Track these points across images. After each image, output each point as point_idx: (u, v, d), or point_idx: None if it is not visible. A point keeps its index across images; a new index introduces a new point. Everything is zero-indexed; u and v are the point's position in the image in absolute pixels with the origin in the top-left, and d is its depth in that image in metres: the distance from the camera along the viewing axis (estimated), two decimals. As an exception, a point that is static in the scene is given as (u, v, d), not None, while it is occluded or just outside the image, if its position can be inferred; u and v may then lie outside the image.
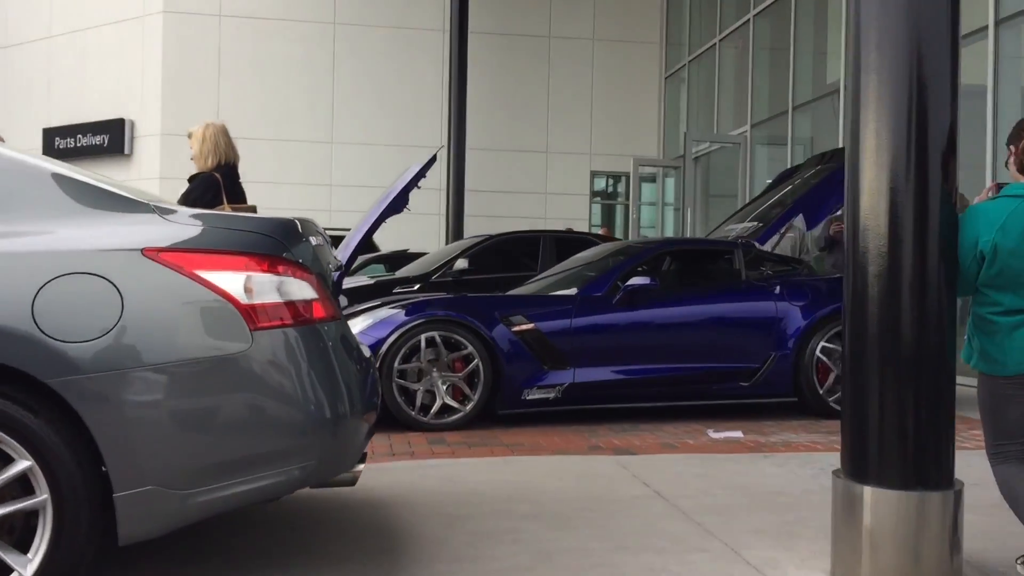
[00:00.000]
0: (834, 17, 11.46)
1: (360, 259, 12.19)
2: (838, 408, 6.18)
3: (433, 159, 6.65)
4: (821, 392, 6.20)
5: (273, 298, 2.62)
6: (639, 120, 18.14)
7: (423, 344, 5.76)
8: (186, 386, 2.50)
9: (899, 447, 2.85)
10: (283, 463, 2.59)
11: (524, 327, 5.92)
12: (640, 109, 18.14)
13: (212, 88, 17.23)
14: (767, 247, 6.93)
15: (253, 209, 4.96)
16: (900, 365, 2.85)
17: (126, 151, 17.50)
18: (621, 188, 19.65)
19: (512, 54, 17.94)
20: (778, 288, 6.34)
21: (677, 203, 16.49)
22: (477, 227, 16.30)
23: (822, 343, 6.22)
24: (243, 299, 2.56)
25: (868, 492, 2.86)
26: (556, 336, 5.96)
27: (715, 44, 15.14)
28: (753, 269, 6.57)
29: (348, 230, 13.36)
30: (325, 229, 11.37)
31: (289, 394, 2.60)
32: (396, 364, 5.71)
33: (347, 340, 2.98)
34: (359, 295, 8.58)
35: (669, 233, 17.70)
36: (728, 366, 6.19)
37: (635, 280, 6.05)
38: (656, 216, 17.97)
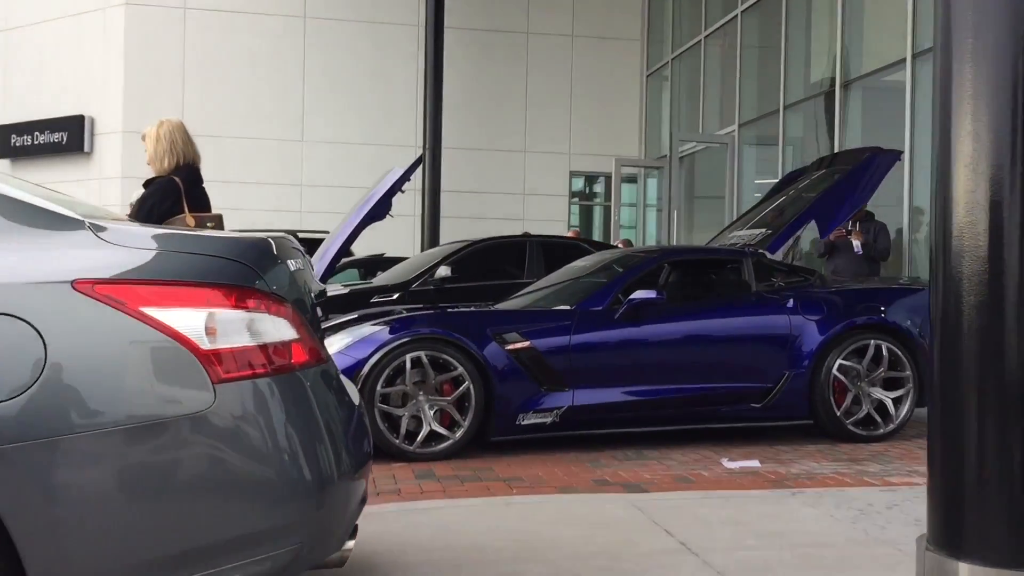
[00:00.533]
0: (827, 13, 11.06)
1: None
2: (856, 431, 5.74)
3: (419, 161, 6.15)
4: (838, 414, 5.74)
5: (242, 340, 2.07)
6: (620, 119, 17.68)
7: (408, 365, 5.22)
8: (131, 458, 1.95)
9: (1007, 512, 2.36)
10: (258, 549, 2.04)
11: (519, 345, 5.40)
12: (621, 108, 17.69)
13: (176, 84, 16.53)
14: (778, 256, 6.45)
15: (219, 219, 4.38)
16: (1006, 410, 2.36)
17: (86, 149, 16.75)
18: (600, 189, 19.20)
19: (489, 51, 17.40)
20: (791, 301, 5.86)
21: (660, 204, 16.05)
22: (453, 229, 15.79)
23: (839, 360, 5.76)
24: (204, 343, 2.02)
25: (966, 571, 2.37)
26: (554, 355, 5.45)
27: (700, 41, 14.71)
28: (763, 280, 6.09)
29: (321, 233, 12.76)
30: (297, 232, 10.81)
31: (264, 463, 2.06)
32: (379, 387, 5.17)
33: (333, 386, 2.44)
34: (333, 305, 8.02)
35: (652, 236, 17.27)
36: (739, 386, 5.71)
37: (639, 294, 5.55)
38: (638, 218, 17.52)
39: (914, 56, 9.00)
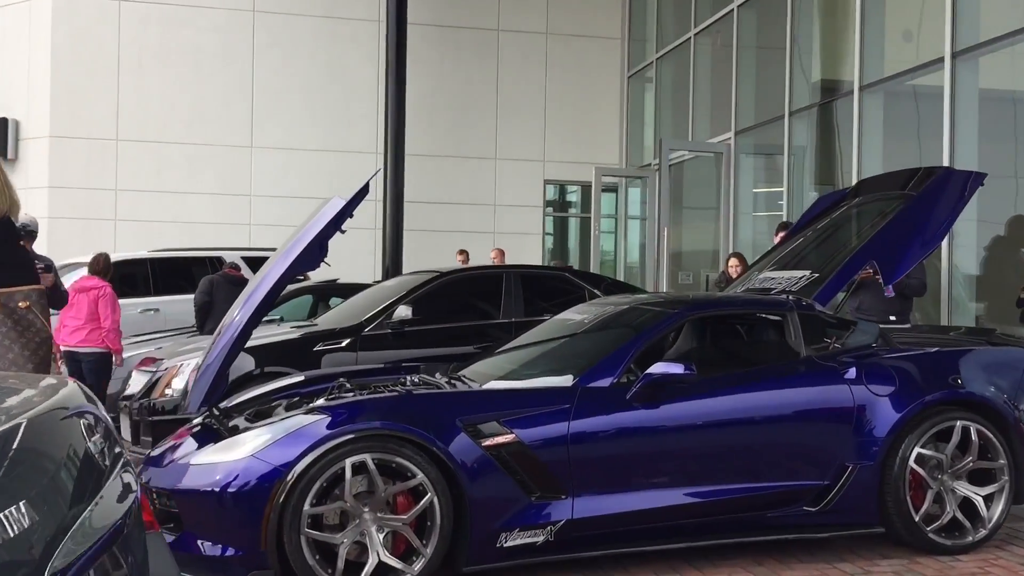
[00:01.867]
0: (844, 6, 9.77)
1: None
2: (939, 541, 4.39)
3: (363, 191, 4.72)
4: (917, 519, 4.39)
5: None
6: (598, 124, 16.32)
7: (349, 472, 3.80)
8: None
9: None
10: None
11: (500, 439, 4.00)
12: (599, 112, 16.32)
13: (110, 84, 14.92)
14: (830, 308, 5.09)
15: (40, 292, 2.94)
16: None
17: (9, 155, 15.05)
18: (576, 198, 17.85)
19: (456, 49, 15.97)
20: (853, 370, 4.50)
21: (645, 215, 14.72)
22: (417, 242, 14.37)
23: (917, 449, 4.41)
24: None
25: None
26: (547, 450, 4.05)
27: (689, 39, 13.39)
28: (813, 340, 4.73)
29: (270, 250, 11.28)
30: (244, 249, 9.09)
31: None
32: (307, 506, 3.73)
33: None
34: (269, 355, 6.58)
35: (633, 250, 15.93)
36: (788, 485, 4.35)
37: (661, 367, 4.16)
38: (618, 230, 16.15)
39: (954, 55, 7.73)
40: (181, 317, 10.50)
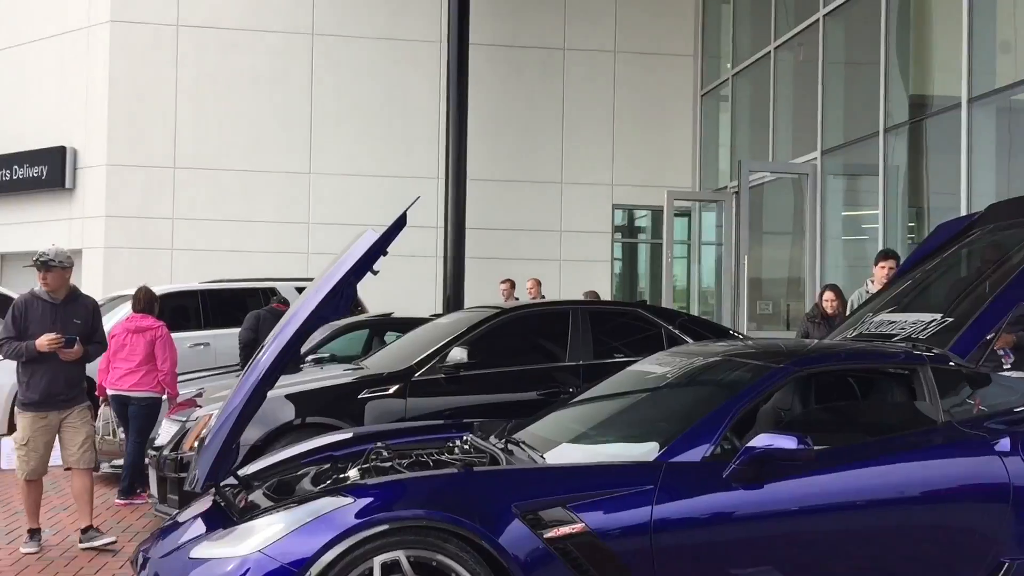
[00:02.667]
0: (949, 13, 8.82)
1: (327, 329, 9.51)
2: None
3: (400, 223, 4.02)
4: (1093, 631, 3.48)
5: None
6: (670, 146, 15.49)
7: (378, 573, 3.06)
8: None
9: None
10: None
11: (566, 529, 3.22)
12: (671, 133, 15.50)
13: (168, 111, 14.62)
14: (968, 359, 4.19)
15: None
16: None
17: (67, 184, 14.87)
18: (646, 223, 17.02)
19: (520, 69, 15.33)
20: (1007, 439, 3.63)
21: (721, 241, 13.82)
22: (479, 270, 13.70)
23: (1091, 541, 3.51)
24: None
25: None
26: (624, 541, 3.27)
27: (769, 53, 12.51)
28: (952, 399, 3.85)
29: (301, 281, 10.65)
30: (299, 279, 8.32)
31: None
32: (326, 616, 3.01)
33: None
34: (311, 403, 5.92)
35: (708, 277, 15.02)
36: (928, 585, 3.48)
37: (766, 441, 3.34)
38: (691, 256, 15.24)
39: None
40: (233, 352, 9.94)
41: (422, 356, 6.22)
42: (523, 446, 3.91)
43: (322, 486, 3.78)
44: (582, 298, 11.56)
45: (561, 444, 3.90)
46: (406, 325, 9.29)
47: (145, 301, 7.33)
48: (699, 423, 3.57)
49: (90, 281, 14.42)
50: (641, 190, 15.40)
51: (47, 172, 14.88)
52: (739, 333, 8.01)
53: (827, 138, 10.82)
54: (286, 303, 8.61)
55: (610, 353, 6.75)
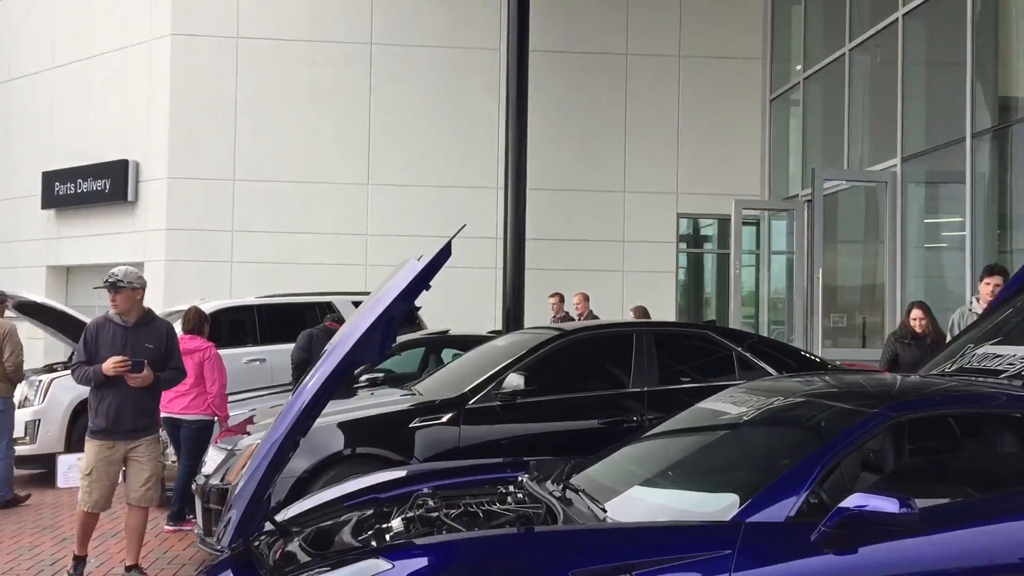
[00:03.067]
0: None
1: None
2: None
3: (444, 253, 3.67)
4: None
5: None
6: (737, 153, 14.96)
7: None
8: None
9: None
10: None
11: (631, 601, 2.84)
12: (739, 139, 14.97)
13: (228, 122, 14.60)
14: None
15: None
16: None
17: (130, 198, 14.94)
18: (712, 232, 16.48)
19: (581, 76, 14.96)
20: None
21: (789, 250, 13.26)
22: (540, 282, 13.34)
23: None
24: None
25: None
26: (697, 615, 2.87)
27: (843, 55, 11.93)
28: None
29: (355, 295, 10.40)
30: (356, 293, 8.02)
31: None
32: None
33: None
34: (361, 432, 5.63)
35: (777, 288, 14.43)
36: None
37: (861, 500, 2.92)
38: (761, 267, 14.68)
39: None
40: (289, 367, 9.75)
41: (476, 382, 5.89)
42: (582, 495, 3.54)
43: (363, 537, 3.47)
44: (631, 315, 11.12)
45: (625, 493, 3.52)
46: (464, 343, 8.99)
47: (195, 322, 7.15)
48: (783, 477, 3.16)
49: (151, 294, 14.40)
50: (707, 198, 14.89)
51: (110, 185, 14.97)
52: (814, 355, 7.51)
53: (908, 144, 10.22)
54: (340, 321, 8.36)
55: (676, 378, 6.34)
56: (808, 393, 3.78)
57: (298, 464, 5.44)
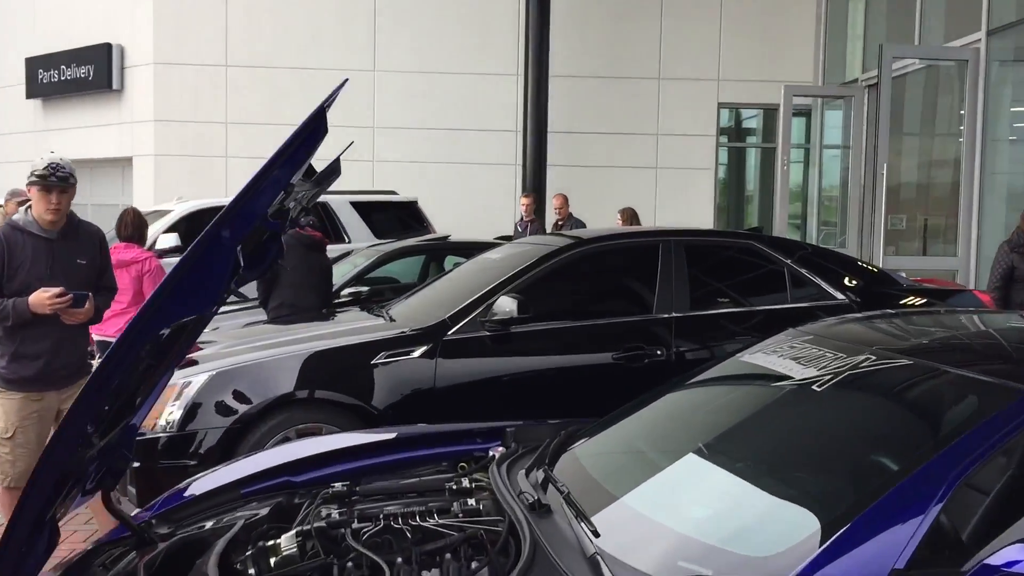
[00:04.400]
0: None
1: (370, 250, 8.04)
2: None
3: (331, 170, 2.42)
4: None
5: None
6: (787, 33, 13.27)
7: None
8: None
9: None
10: None
11: None
12: (789, 17, 13.26)
13: (218, 1, 13.15)
14: None
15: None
16: None
17: (115, 86, 13.67)
18: (756, 124, 14.93)
19: (613, -54, 13.27)
20: None
21: (844, 143, 11.76)
22: (564, 179, 12.01)
23: None
24: None
25: None
26: None
27: (917, -91, 10.18)
28: None
29: (389, 193, 9.19)
30: (355, 192, 6.59)
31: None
32: None
33: None
34: (316, 372, 4.49)
35: (832, 188, 12.95)
36: None
37: (1015, 554, 1.69)
38: (810, 164, 13.18)
39: None
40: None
41: (460, 307, 4.67)
42: (567, 504, 2.33)
43: (238, 560, 2.33)
44: (619, 218, 9.70)
45: (629, 501, 2.32)
46: (468, 251, 7.79)
47: (133, 227, 5.94)
48: (886, 499, 1.92)
49: (141, 191, 13.32)
50: (751, 86, 13.31)
51: (93, 72, 13.71)
52: (870, 264, 6.19)
53: (995, 15, 8.62)
54: (313, 224, 7.12)
55: (712, 300, 5.09)
56: (915, 350, 2.50)
57: (232, 407, 4.33)
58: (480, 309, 4.63)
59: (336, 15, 13.23)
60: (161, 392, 2.63)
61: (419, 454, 3.06)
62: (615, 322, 4.82)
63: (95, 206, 14.73)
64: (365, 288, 7.14)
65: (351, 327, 4.95)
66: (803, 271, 5.15)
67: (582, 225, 9.98)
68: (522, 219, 10.46)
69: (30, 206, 4.09)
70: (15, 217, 4.10)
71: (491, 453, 2.95)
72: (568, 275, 4.94)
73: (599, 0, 13.29)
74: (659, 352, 4.72)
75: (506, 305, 4.53)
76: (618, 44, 13.39)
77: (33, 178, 3.97)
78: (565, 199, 10.17)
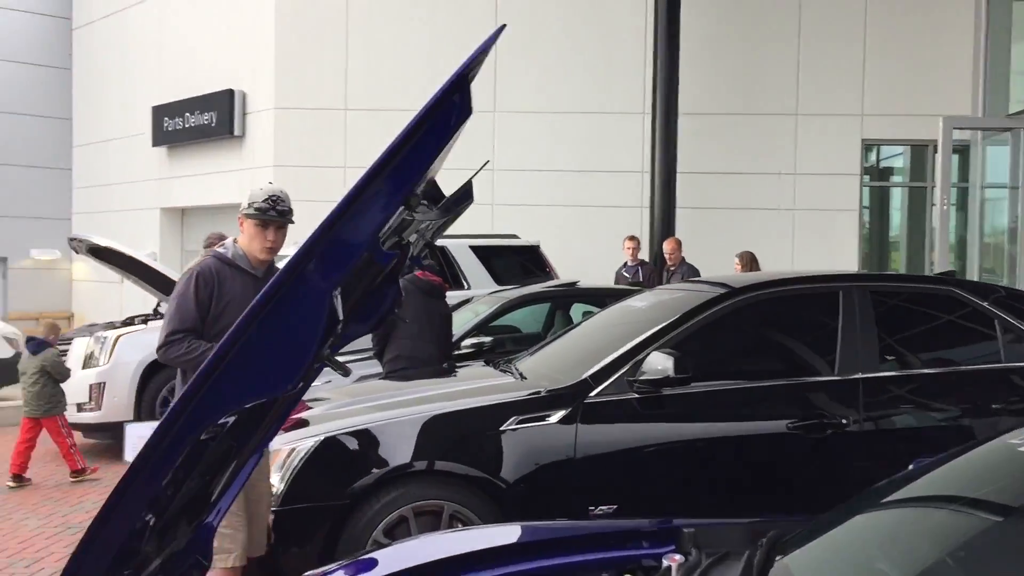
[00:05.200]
0: None
1: (492, 297, 7.41)
2: None
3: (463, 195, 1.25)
4: None
5: None
6: (941, 61, 12.21)
7: None
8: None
9: None
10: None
11: None
12: (943, 44, 12.21)
13: (338, 45, 13.01)
14: None
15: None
16: None
17: (236, 131, 13.64)
18: (902, 163, 13.79)
19: (745, -25, 12.56)
20: None
21: (1013, 183, 10.60)
22: (693, 224, 11.26)
23: None
24: None
25: None
26: None
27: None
28: None
29: (509, 237, 8.60)
30: (478, 236, 5.86)
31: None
32: None
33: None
34: (437, 438, 3.87)
35: (996, 233, 11.73)
36: None
37: None
38: (970, 207, 12.00)
39: None
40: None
41: (603, 363, 3.97)
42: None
43: None
44: (736, 263, 8.82)
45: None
46: (599, 299, 7.12)
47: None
48: None
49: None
50: (900, 120, 12.27)
51: (216, 119, 13.72)
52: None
53: None
54: (435, 271, 6.56)
55: (907, 358, 4.23)
56: None
57: (342, 479, 3.73)
58: (627, 367, 3.93)
59: (456, 56, 12.85)
60: (245, 482, 2.03)
61: (576, 560, 2.37)
62: (789, 384, 4.03)
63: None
64: (488, 338, 6.52)
65: (476, 385, 4.30)
66: (995, 310, 4.25)
67: (696, 272, 9.28)
68: (626, 264, 9.91)
69: (235, 239, 3.65)
70: (221, 250, 3.65)
71: (665, 562, 2.24)
72: (729, 328, 4.18)
73: (731, 32, 12.55)
74: (844, 421, 3.90)
75: (659, 363, 3.81)
76: (752, 78, 12.59)
77: (250, 210, 3.52)
78: (678, 243, 9.53)
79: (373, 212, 1.56)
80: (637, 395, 3.87)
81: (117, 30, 16.63)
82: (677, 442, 3.91)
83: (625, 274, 9.97)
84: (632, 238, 10.11)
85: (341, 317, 1.55)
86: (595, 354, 4.10)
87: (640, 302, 4.76)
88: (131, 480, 1.44)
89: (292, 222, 3.63)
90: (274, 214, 3.51)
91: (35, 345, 7.26)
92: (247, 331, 1.36)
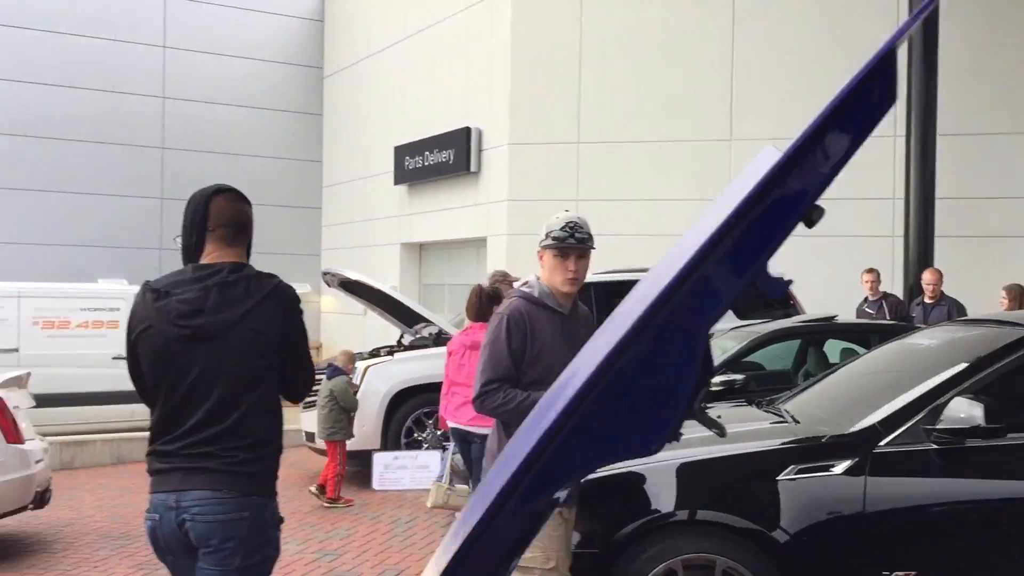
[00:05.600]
0: None
1: (739, 332, 7.01)
2: None
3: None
4: None
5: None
6: None
7: None
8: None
9: None
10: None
11: None
12: None
13: (571, 80, 13.06)
14: None
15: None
16: None
17: (472, 168, 13.98)
18: None
19: (1012, -15, 11.49)
20: None
21: None
22: (952, 255, 10.32)
23: None
24: None
25: None
26: None
27: None
28: None
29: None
30: None
31: None
32: None
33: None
34: (704, 485, 3.61)
35: None
36: None
37: None
38: None
39: None
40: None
41: (895, 410, 3.55)
42: None
43: None
44: (1004, 298, 7.82)
45: None
46: (860, 335, 6.59)
47: (485, 306, 5.47)
48: None
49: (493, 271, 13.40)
50: None
51: (454, 156, 14.14)
52: None
53: None
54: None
55: None
56: None
57: (600, 527, 3.54)
58: (923, 414, 3.49)
59: (689, 85, 12.60)
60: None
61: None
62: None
63: (451, 286, 15.15)
64: (739, 376, 6.15)
65: (743, 429, 3.99)
66: None
67: (962, 307, 8.43)
68: (867, 299, 9.18)
69: (537, 275, 3.46)
70: (525, 288, 3.42)
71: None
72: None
73: (993, 48, 11.49)
74: None
75: (965, 410, 3.35)
76: (1016, 97, 11.45)
77: (548, 240, 3.34)
78: (940, 275, 8.71)
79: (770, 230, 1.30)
80: (936, 446, 3.43)
81: (363, 77, 17.63)
82: (983, 501, 3.43)
83: (868, 310, 9.27)
84: (871, 270, 9.40)
85: (715, 364, 1.35)
86: (879, 397, 3.70)
87: (926, 340, 4.27)
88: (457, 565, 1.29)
89: (593, 248, 3.37)
90: (573, 241, 3.28)
91: (331, 371, 7.66)
92: (602, 381, 1.19)
